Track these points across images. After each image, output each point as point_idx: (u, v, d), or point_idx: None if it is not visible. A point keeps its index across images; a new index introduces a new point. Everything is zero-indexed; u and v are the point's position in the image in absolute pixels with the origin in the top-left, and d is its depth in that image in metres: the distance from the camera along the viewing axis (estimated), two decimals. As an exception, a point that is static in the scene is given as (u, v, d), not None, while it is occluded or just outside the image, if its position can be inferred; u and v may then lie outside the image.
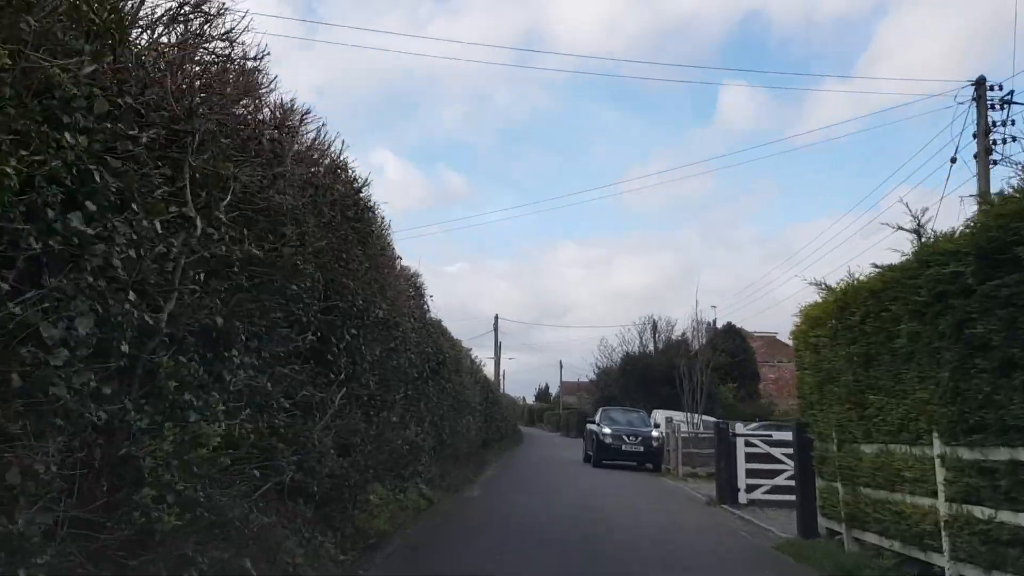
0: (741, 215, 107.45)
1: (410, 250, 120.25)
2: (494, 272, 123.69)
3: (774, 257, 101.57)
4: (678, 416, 34.02)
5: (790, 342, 22.76)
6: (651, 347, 50.70)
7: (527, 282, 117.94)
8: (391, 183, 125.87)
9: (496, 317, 67.68)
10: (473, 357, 24.45)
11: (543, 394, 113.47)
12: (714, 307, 47.62)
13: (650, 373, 43.63)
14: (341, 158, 7.78)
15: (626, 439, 24.61)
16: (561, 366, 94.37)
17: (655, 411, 33.81)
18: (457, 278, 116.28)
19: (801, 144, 60.35)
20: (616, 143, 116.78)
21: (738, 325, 49.45)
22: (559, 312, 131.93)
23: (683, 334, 48.37)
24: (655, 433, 25.04)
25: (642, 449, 24.41)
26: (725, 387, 44.37)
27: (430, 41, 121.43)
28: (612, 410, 28.22)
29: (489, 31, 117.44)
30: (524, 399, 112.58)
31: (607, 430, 25.15)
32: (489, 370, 50.54)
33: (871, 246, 50.05)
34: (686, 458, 22.19)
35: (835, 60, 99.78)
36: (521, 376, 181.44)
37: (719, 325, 49.40)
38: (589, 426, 27.69)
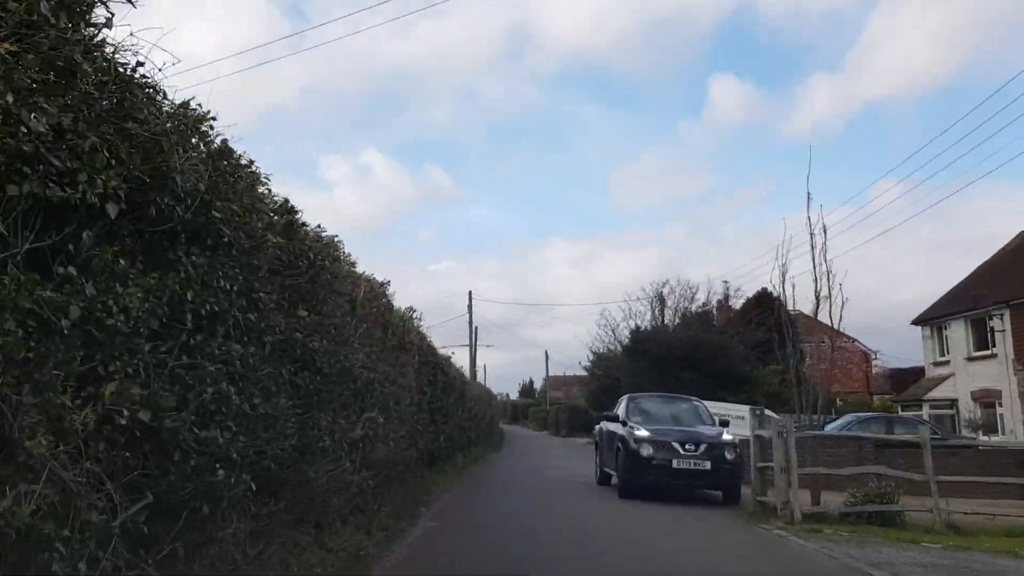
0: (729, 209, 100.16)
1: (396, 253, 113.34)
2: (480, 270, 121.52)
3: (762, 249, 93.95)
4: (734, 411, 23.30)
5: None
6: (665, 322, 39.80)
7: (514, 279, 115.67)
8: (379, 183, 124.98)
9: (470, 295, 56.97)
10: (417, 317, 13.62)
11: (527, 389, 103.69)
12: (725, 282, 36.21)
13: (670, 353, 32.73)
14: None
15: (680, 448, 13.65)
16: (547, 357, 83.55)
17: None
18: (442, 276, 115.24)
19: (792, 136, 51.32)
20: (604, 138, 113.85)
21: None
22: (545, 308, 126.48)
23: (705, 304, 37.69)
24: (727, 437, 14.14)
25: (708, 466, 13.52)
26: (766, 370, 33.66)
27: (418, 40, 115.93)
28: (645, 398, 17.08)
29: (477, 28, 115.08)
30: (507, 395, 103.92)
31: (643, 432, 14.13)
32: (460, 360, 39.91)
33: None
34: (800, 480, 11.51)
35: (825, 52, 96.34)
36: (505, 371, 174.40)
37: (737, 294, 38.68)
38: (607, 427, 16.69)
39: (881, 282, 76.93)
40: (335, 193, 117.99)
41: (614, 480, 15.75)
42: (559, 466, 23.71)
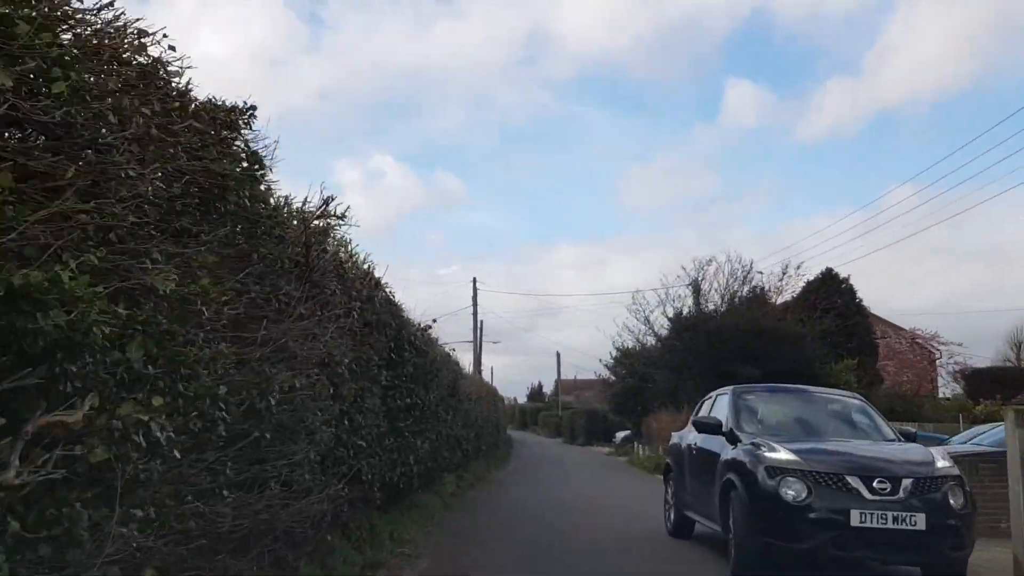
0: (739, 214, 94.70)
1: (406, 257, 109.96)
2: (488, 274, 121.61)
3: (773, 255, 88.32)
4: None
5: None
6: (703, 308, 32.80)
7: (521, 283, 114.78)
8: (389, 187, 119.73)
9: (474, 282, 50.40)
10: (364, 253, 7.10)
11: (536, 393, 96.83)
12: (760, 273, 28.89)
13: (723, 343, 25.91)
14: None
15: (863, 489, 6.89)
16: (559, 359, 76.62)
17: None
18: (450, 281, 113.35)
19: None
20: (616, 143, 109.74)
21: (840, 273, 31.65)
22: (554, 310, 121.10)
23: (760, 287, 30.85)
24: (943, 463, 7.35)
25: (921, 522, 6.80)
26: (840, 364, 26.82)
27: (433, 43, 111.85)
28: (762, 393, 9.57)
29: (493, 32, 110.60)
30: (515, 399, 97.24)
31: (783, 455, 7.27)
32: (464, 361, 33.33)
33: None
34: None
35: (841, 57, 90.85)
36: (512, 376, 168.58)
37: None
38: (695, 441, 9.50)
39: (885, 286, 69.90)
40: (346, 196, 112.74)
41: (700, 527, 9.10)
42: (595, 496, 16.87)
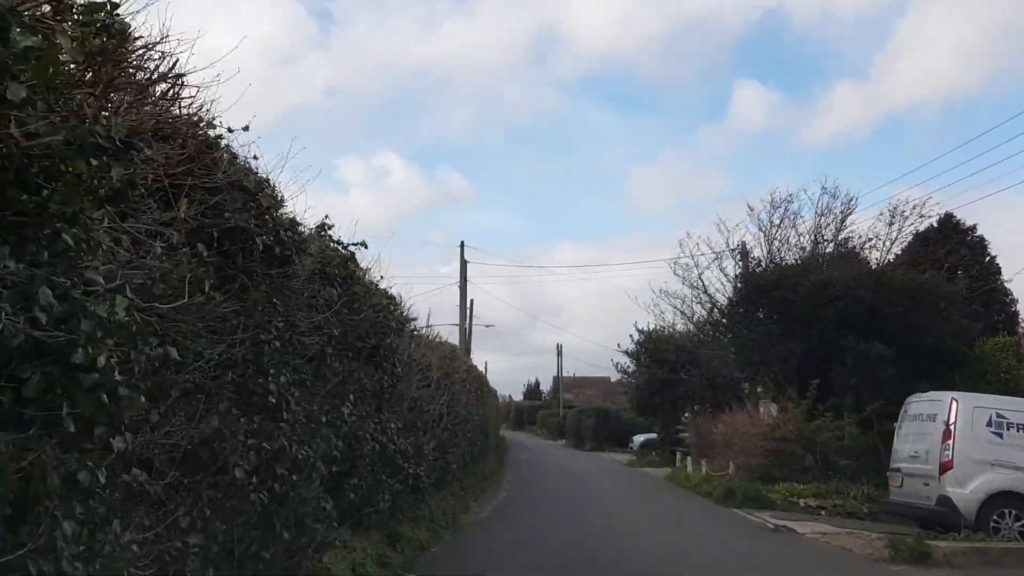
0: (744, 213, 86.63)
1: (409, 255, 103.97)
2: (490, 273, 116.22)
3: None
4: None
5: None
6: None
7: (522, 282, 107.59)
8: (393, 185, 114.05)
9: (462, 247, 41.69)
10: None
11: (533, 391, 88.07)
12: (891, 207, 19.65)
13: (823, 305, 16.98)
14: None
15: None
16: (560, 352, 67.60)
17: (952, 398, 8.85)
18: (452, 278, 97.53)
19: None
20: (622, 143, 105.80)
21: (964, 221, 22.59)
22: (554, 311, 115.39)
23: (849, 243, 21.88)
24: None
25: None
26: (992, 342, 17.99)
27: (442, 42, 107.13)
28: None
29: (502, 31, 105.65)
30: (510, 396, 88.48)
31: None
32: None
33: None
34: None
35: (852, 59, 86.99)
36: (510, 376, 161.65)
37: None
38: None
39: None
40: (351, 194, 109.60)
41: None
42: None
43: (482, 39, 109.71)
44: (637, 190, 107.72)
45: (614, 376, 65.73)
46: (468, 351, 43.28)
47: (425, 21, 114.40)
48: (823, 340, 16.49)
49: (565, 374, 71.11)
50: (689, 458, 21.41)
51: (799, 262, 19.61)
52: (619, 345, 32.48)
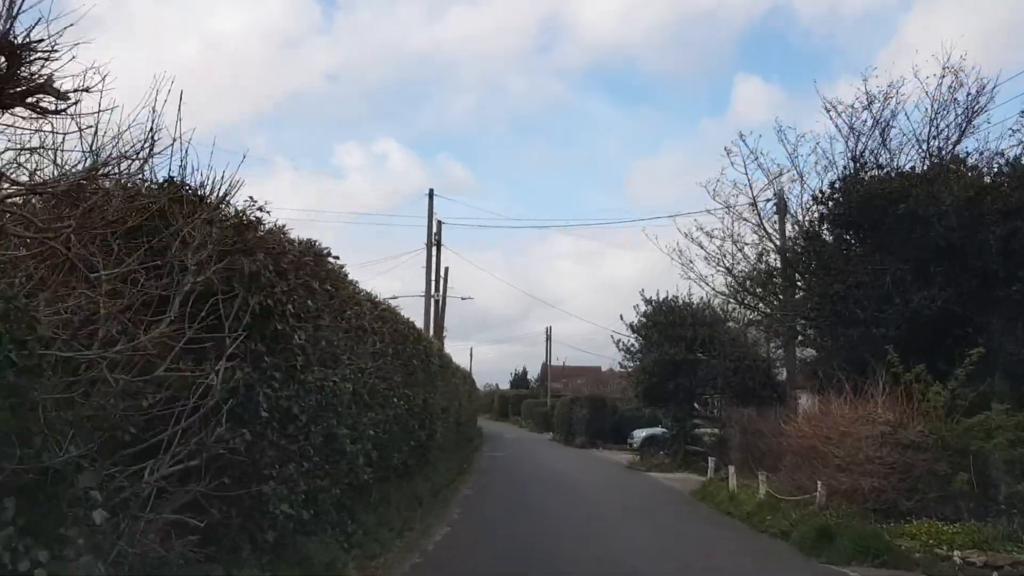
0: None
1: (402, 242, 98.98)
2: (488, 262, 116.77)
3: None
4: None
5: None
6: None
7: (517, 272, 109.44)
8: (392, 172, 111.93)
9: (431, 195, 35.05)
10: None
11: (521, 379, 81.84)
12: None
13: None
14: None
15: None
16: (548, 337, 61.01)
17: None
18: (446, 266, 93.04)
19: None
20: (622, 135, 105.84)
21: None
22: (549, 303, 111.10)
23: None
24: None
25: None
26: None
27: (446, 29, 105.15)
28: None
29: (507, 19, 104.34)
30: (496, 386, 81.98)
31: None
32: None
33: None
34: None
35: (856, 55, 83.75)
36: (499, 365, 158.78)
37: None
38: None
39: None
40: (349, 178, 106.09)
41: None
42: None
43: (486, 27, 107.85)
44: (638, 182, 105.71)
45: (605, 365, 59.32)
46: (440, 327, 36.70)
47: (429, 8, 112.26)
48: (980, 283, 9.81)
49: (555, 363, 64.72)
50: (730, 469, 14.69)
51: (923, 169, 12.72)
52: (622, 317, 25.81)
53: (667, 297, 24.78)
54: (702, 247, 20.59)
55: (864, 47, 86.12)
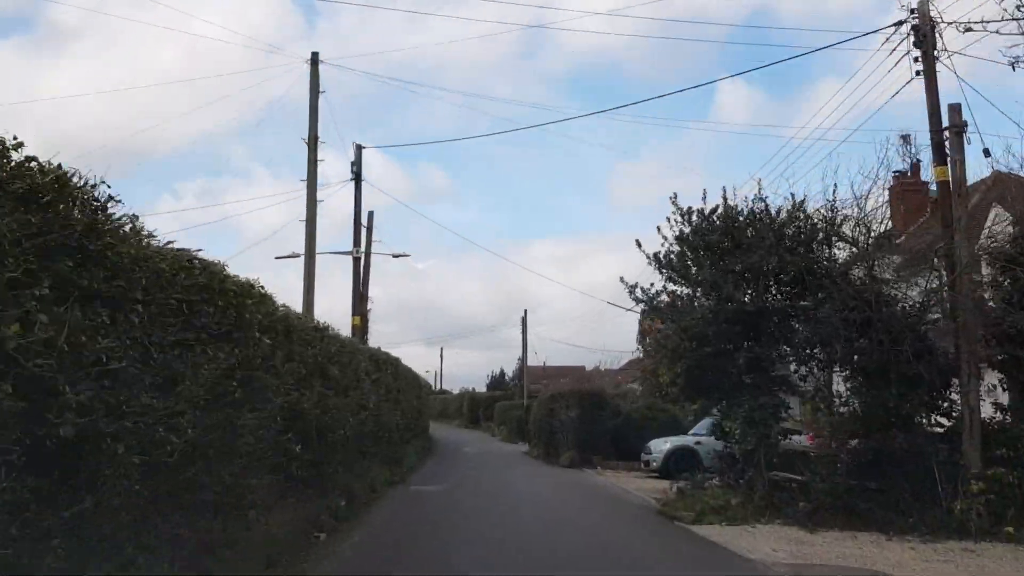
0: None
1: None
2: (466, 269, 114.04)
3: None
4: None
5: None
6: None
7: (497, 279, 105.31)
8: (374, 179, 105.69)
9: (358, 149, 24.07)
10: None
11: (498, 382, 71.05)
12: None
13: None
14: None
15: None
16: (525, 322, 49.53)
17: None
18: (428, 274, 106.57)
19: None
20: (607, 139, 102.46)
21: None
22: (530, 309, 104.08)
23: None
24: None
25: None
26: None
27: (429, 35, 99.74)
28: None
29: (492, 24, 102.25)
30: (472, 389, 70.65)
31: None
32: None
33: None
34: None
35: (840, 56, 70.49)
36: (480, 371, 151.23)
37: None
38: None
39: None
40: (330, 187, 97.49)
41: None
42: None
43: (469, 33, 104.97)
44: (619, 186, 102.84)
45: (590, 364, 47.95)
46: (363, 298, 25.60)
47: (411, 14, 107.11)
48: None
49: (535, 363, 53.23)
50: None
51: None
52: (639, 245, 14.30)
53: (727, 205, 13.42)
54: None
55: (845, 48, 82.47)
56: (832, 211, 13.03)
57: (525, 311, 50.03)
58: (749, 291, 12.65)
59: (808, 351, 12.50)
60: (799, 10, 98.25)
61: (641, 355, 46.44)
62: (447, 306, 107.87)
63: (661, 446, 19.59)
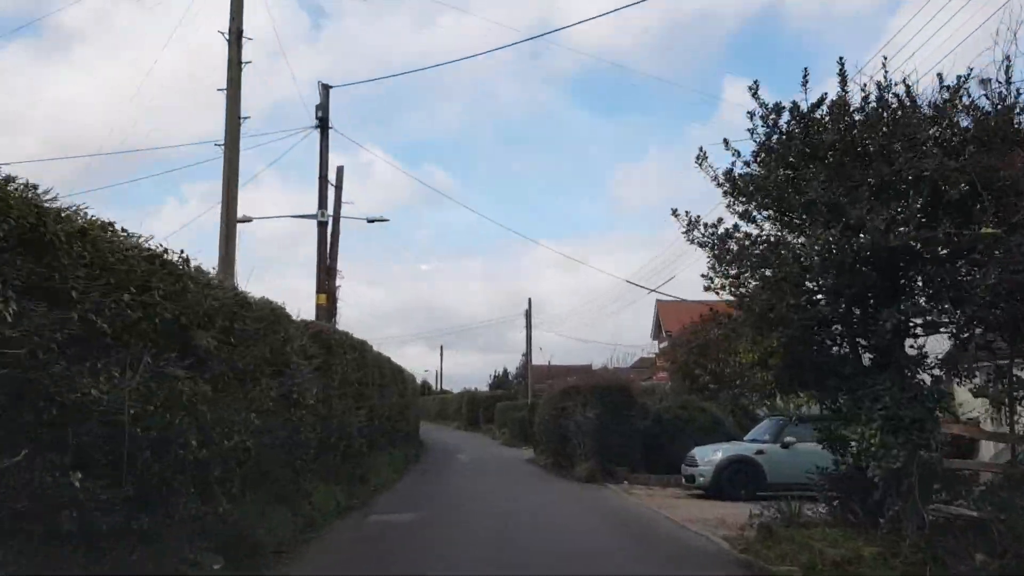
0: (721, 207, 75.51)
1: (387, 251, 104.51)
2: (469, 271, 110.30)
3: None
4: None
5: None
6: None
7: (500, 281, 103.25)
8: (380, 181, 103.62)
9: (325, 89, 19.14)
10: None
11: (501, 381, 66.30)
12: None
13: None
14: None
15: None
16: (529, 315, 44.69)
17: None
18: (432, 276, 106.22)
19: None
20: (610, 141, 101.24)
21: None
22: (535, 308, 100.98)
23: None
24: None
25: None
26: None
27: (435, 36, 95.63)
28: None
29: (498, 26, 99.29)
30: (475, 389, 65.85)
31: None
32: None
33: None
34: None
35: (847, 56, 67.53)
36: (484, 372, 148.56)
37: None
38: None
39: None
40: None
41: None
42: None
43: (476, 34, 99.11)
44: (624, 187, 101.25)
45: (597, 363, 43.22)
46: (331, 272, 20.99)
47: (417, 16, 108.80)
48: None
49: (540, 363, 48.13)
50: None
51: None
52: (700, 160, 9.51)
53: (843, 91, 8.63)
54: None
55: (853, 50, 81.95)
56: (1001, 99, 8.21)
57: (529, 300, 45.58)
58: (884, 217, 7.85)
59: (989, 313, 7.69)
60: (806, 10, 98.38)
61: (656, 352, 41.59)
62: (450, 307, 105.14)
63: (710, 456, 14.87)
